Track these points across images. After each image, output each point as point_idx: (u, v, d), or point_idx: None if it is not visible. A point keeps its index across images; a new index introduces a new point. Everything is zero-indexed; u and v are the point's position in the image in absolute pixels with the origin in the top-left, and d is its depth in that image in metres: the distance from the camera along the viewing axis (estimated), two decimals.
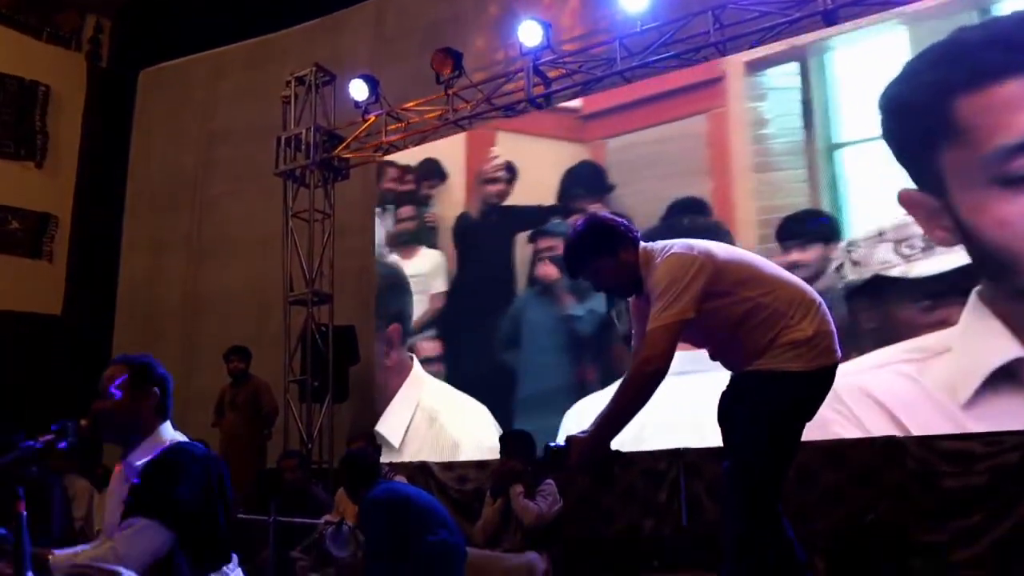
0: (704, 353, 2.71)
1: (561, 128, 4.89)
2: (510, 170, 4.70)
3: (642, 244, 2.66)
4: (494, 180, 4.59)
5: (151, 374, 2.48)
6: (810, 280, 4.19)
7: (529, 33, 6.47)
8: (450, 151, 4.73)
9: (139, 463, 2.39)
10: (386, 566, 4.07)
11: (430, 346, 4.54)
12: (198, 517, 2.31)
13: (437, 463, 6.40)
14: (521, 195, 4.77)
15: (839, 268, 4.29)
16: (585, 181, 4.67)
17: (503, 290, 4.52)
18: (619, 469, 5.61)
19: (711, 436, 5.10)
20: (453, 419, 4.76)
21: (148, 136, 10.88)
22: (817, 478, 4.94)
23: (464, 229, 4.66)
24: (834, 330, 2.56)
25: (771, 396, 2.46)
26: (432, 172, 4.80)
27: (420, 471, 6.18)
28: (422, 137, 7.35)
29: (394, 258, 4.71)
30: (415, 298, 4.78)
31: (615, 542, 5.46)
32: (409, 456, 4.81)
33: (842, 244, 4.29)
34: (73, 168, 11.00)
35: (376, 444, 5.65)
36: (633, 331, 2.80)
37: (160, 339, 9.55)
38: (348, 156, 7.78)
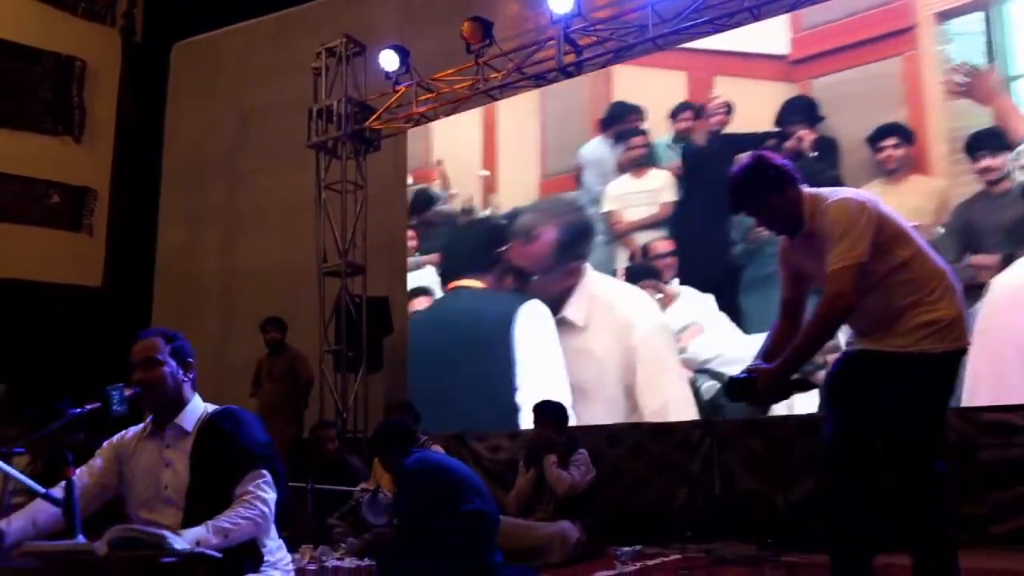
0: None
1: (771, 71, 5.71)
2: (728, 106, 5.67)
3: (804, 188, 2.76)
4: (715, 113, 5.54)
5: (185, 346, 2.56)
6: (997, 181, 4.84)
7: (559, 0, 6.40)
8: (671, 96, 5.79)
9: (189, 427, 2.47)
10: (421, 534, 4.12)
11: (663, 244, 5.51)
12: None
13: (471, 432, 6.47)
14: (738, 126, 5.67)
15: (1009, 174, 4.97)
16: (801, 111, 5.46)
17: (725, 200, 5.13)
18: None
19: (735, 409, 5.20)
20: (623, 305, 5.60)
21: (182, 110, 10.98)
22: None
23: (690, 153, 5.61)
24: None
25: (919, 379, 2.53)
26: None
27: (454, 440, 6.26)
28: (453, 107, 7.34)
29: (607, 187, 5.79)
30: (643, 209, 5.76)
31: (648, 512, 5.49)
32: (592, 333, 5.67)
33: (1010, 155, 4.94)
34: (110, 142, 11.15)
35: (415, 413, 5.71)
36: (781, 273, 2.91)
37: (198, 310, 9.70)
38: (379, 127, 7.79)
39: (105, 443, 2.55)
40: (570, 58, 6.70)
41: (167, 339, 2.52)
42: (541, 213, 6.21)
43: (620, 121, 6.10)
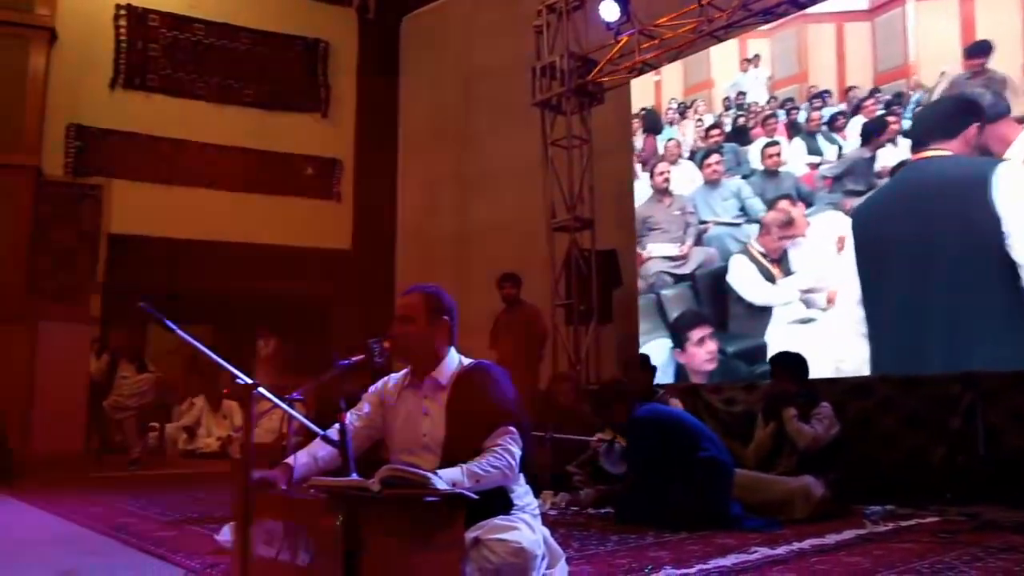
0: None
1: None
2: None
3: None
4: None
5: (442, 303, 2.69)
6: None
7: None
8: None
9: (444, 381, 2.64)
10: (656, 483, 4.16)
11: None
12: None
13: (706, 385, 6.39)
14: None
15: None
16: None
17: None
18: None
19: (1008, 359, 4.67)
20: None
21: (414, 79, 11.57)
22: None
23: None
24: None
25: None
26: None
27: (689, 393, 6.20)
28: (677, 52, 7.15)
29: None
30: None
31: (900, 469, 5.14)
32: None
33: None
34: (352, 115, 12.03)
35: (652, 366, 5.73)
36: None
37: (435, 267, 10.28)
38: (603, 80, 7.75)
39: (371, 389, 2.79)
40: None
41: (426, 297, 2.67)
42: None
43: None
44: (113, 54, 10.64)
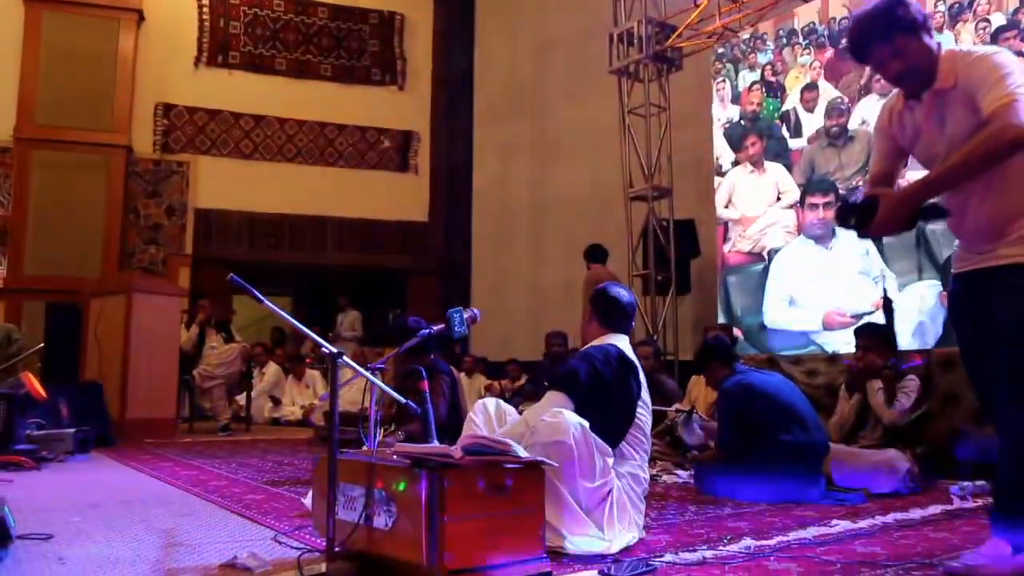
0: None
1: None
2: None
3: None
4: None
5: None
6: None
7: None
8: None
9: None
10: (738, 459, 4.11)
11: None
12: (593, 393, 2.67)
13: (785, 356, 6.27)
14: None
15: None
16: None
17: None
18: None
19: None
20: None
21: (489, 49, 11.54)
22: None
23: None
24: None
25: None
26: None
27: (768, 365, 6.09)
28: (759, 15, 6.94)
29: None
30: None
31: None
32: None
33: None
34: (428, 87, 12.09)
35: (732, 336, 5.63)
36: (878, 145, 2.62)
37: (511, 238, 10.32)
38: (682, 45, 7.59)
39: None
40: None
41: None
42: None
43: None
44: (197, 33, 10.94)
